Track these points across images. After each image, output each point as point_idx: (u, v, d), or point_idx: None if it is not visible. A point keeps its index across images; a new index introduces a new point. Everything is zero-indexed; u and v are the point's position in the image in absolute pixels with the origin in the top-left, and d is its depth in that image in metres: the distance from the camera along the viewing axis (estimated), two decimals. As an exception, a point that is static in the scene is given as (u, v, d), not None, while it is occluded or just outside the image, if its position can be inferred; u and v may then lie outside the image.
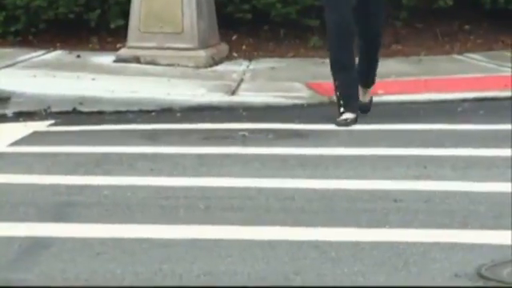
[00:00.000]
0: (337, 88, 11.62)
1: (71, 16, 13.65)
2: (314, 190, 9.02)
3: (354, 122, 11.52)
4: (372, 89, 12.15)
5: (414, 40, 14.08)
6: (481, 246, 7.65)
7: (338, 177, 9.62)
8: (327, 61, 12.04)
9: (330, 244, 7.45)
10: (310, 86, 13.20)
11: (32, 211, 8.59)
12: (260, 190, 8.95)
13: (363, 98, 11.98)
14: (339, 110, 11.61)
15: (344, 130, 11.92)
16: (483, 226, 8.17)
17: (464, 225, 8.21)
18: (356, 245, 7.47)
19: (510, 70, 13.06)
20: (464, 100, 12.30)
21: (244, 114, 12.13)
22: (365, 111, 11.95)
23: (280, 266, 6.89)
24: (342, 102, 11.60)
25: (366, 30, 11.52)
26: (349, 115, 11.49)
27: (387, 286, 7.03)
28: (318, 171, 9.85)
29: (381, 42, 11.83)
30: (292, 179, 9.44)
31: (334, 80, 11.59)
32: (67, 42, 13.50)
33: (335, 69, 11.52)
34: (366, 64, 11.84)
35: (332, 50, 11.54)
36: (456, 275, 7.11)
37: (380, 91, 12.69)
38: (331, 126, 11.75)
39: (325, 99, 12.87)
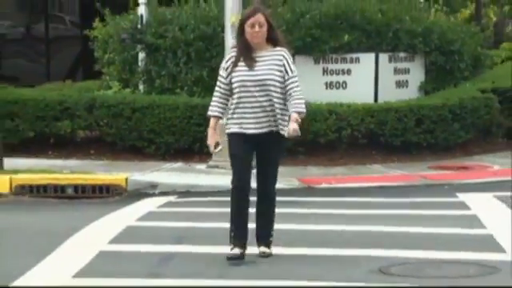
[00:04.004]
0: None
1: (186, 146, 13.57)
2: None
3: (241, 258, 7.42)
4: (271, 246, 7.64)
5: (357, 160, 13.86)
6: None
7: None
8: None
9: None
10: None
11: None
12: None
13: (264, 249, 7.60)
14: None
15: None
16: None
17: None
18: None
19: (400, 172, 13.05)
20: (380, 187, 11.94)
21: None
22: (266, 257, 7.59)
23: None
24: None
25: (263, 179, 7.47)
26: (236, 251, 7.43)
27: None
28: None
29: (275, 203, 7.66)
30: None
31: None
32: (185, 158, 13.40)
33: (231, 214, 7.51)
34: (264, 221, 7.58)
35: (230, 207, 7.48)
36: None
37: (333, 182, 12.22)
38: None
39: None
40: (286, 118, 7.34)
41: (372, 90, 14.60)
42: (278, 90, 7.33)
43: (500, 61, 18.14)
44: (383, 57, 14.65)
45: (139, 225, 9.47)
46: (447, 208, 10.28)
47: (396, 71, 14.85)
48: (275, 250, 7.76)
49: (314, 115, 13.56)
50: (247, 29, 7.30)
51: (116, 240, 8.60)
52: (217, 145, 7.43)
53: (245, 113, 7.34)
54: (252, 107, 7.33)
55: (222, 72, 7.47)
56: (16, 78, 19.11)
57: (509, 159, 13.87)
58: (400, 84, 14.88)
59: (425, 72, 15.11)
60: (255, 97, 7.31)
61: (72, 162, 13.40)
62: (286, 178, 12.15)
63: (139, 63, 14.73)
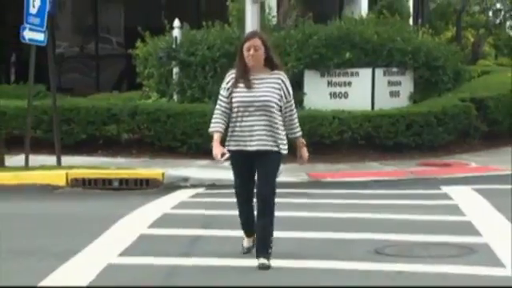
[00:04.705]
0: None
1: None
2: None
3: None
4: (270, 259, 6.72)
5: (357, 158, 13.70)
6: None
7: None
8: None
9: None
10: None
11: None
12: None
13: (263, 261, 6.70)
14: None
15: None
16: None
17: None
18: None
19: (393, 168, 13.05)
20: (376, 181, 11.86)
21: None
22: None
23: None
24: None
25: (263, 189, 6.62)
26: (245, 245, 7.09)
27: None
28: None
29: (273, 204, 6.69)
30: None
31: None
32: (212, 157, 13.20)
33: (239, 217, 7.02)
34: (263, 234, 6.75)
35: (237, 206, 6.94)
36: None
37: (336, 176, 12.15)
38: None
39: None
40: (282, 136, 6.66)
41: (369, 99, 14.56)
42: (276, 110, 6.60)
43: (477, 75, 18.06)
44: (379, 71, 14.59)
45: (173, 212, 9.46)
46: (432, 198, 10.24)
47: (389, 83, 14.81)
48: (288, 234, 7.72)
49: (320, 120, 13.57)
50: (244, 52, 6.60)
51: (154, 225, 8.60)
52: (223, 154, 6.61)
53: (243, 131, 6.56)
54: (250, 125, 6.55)
55: (222, 91, 6.71)
56: (71, 89, 19.17)
57: (484, 158, 13.85)
58: (393, 94, 14.84)
59: (414, 84, 15.05)
60: (254, 116, 6.55)
61: (117, 160, 13.41)
62: (297, 173, 12.10)
63: (174, 77, 14.76)
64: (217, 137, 6.64)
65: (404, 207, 9.55)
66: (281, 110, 6.66)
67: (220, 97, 6.74)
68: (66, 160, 12.64)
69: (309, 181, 11.97)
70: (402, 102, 14.81)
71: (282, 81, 6.68)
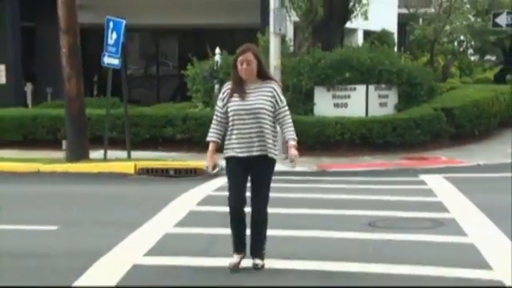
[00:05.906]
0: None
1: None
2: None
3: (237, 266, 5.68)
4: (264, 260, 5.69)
5: (354, 153, 13.36)
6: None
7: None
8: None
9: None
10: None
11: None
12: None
13: (257, 261, 5.69)
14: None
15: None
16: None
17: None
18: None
19: (382, 161, 12.93)
20: (369, 171, 11.67)
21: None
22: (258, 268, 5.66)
23: None
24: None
25: (256, 201, 5.59)
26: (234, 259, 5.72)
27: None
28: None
29: (266, 222, 5.70)
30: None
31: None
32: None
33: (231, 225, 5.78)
34: (257, 237, 5.70)
35: (230, 222, 5.74)
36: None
37: (339, 167, 11.94)
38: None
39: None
40: (275, 142, 5.60)
41: (364, 109, 14.43)
42: (268, 117, 5.52)
43: (446, 90, 17.90)
44: (371, 87, 14.41)
45: (215, 194, 9.37)
46: (412, 184, 10.11)
47: (379, 96, 14.65)
48: (300, 210, 7.64)
49: (326, 124, 13.45)
50: (238, 65, 5.59)
51: (200, 203, 8.58)
52: (215, 166, 5.63)
53: (238, 138, 5.49)
54: (245, 133, 5.48)
55: (219, 102, 5.68)
56: (138, 100, 19.33)
57: (452, 153, 13.65)
58: (382, 104, 14.68)
59: (398, 97, 14.90)
60: (247, 124, 5.49)
61: (173, 154, 13.29)
62: (308, 164, 11.97)
63: (215, 91, 14.68)
64: (211, 147, 5.67)
65: (390, 190, 9.44)
66: (273, 117, 5.57)
67: (216, 107, 5.71)
68: (135, 154, 12.64)
69: (317, 170, 11.84)
70: (389, 110, 14.65)
71: (274, 89, 5.59)
